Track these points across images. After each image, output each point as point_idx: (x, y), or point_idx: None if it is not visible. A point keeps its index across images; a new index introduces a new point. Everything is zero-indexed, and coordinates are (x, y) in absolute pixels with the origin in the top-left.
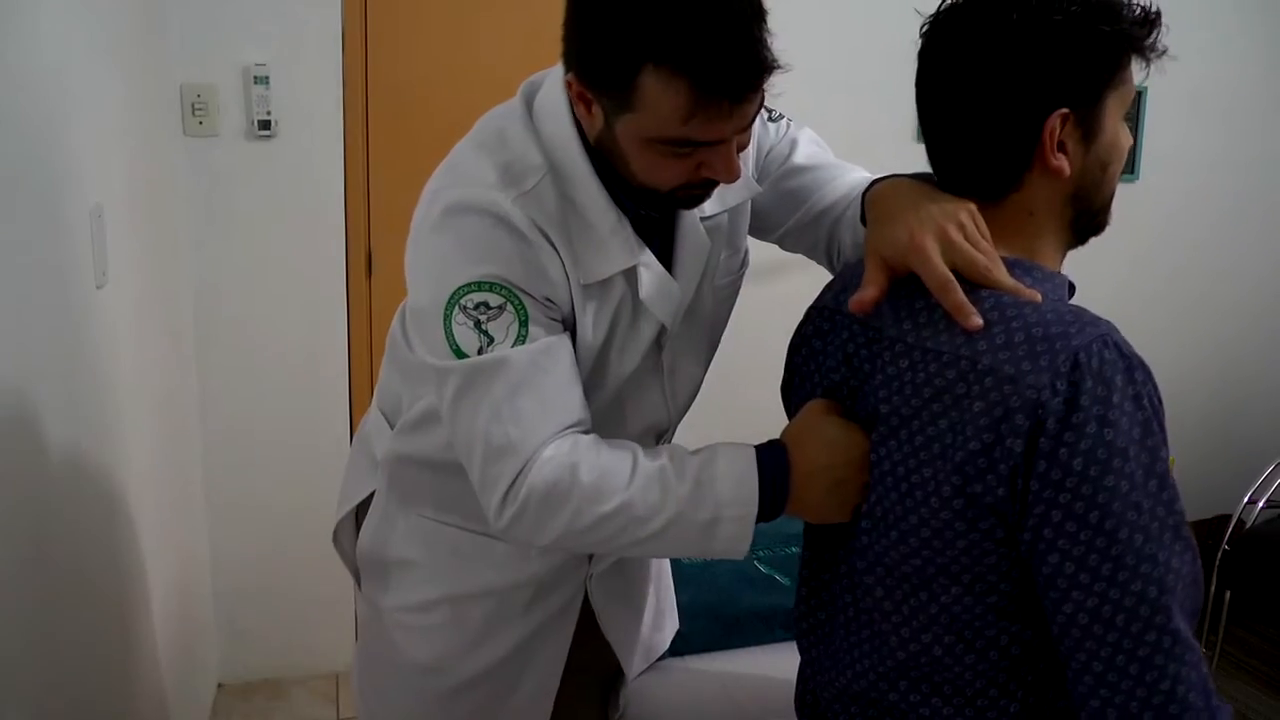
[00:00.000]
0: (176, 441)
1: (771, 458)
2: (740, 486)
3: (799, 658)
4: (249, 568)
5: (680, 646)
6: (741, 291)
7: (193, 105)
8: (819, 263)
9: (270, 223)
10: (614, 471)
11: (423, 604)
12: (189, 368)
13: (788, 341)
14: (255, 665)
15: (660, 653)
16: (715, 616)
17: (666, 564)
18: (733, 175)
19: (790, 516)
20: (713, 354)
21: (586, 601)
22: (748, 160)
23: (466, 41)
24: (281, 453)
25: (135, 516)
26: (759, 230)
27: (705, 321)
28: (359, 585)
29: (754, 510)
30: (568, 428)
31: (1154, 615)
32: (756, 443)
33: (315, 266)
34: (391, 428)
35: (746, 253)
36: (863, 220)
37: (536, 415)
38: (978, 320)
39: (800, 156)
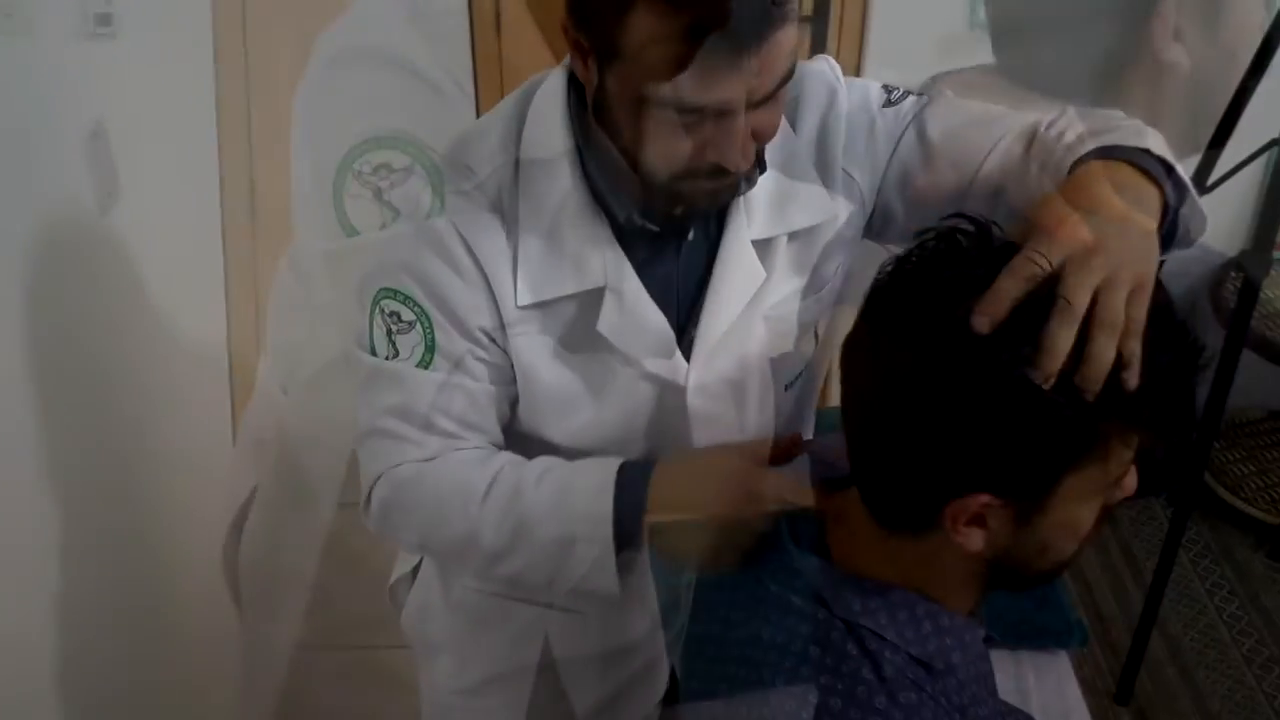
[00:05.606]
0: None
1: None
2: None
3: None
4: (111, 618)
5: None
6: None
7: None
8: None
9: (114, 152)
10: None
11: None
12: (11, 349)
13: None
14: None
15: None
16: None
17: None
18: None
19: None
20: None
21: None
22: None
23: None
24: (140, 459)
25: None
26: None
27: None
28: (239, 609)
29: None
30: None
31: None
32: None
33: (179, 208)
34: (286, 394)
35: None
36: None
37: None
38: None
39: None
